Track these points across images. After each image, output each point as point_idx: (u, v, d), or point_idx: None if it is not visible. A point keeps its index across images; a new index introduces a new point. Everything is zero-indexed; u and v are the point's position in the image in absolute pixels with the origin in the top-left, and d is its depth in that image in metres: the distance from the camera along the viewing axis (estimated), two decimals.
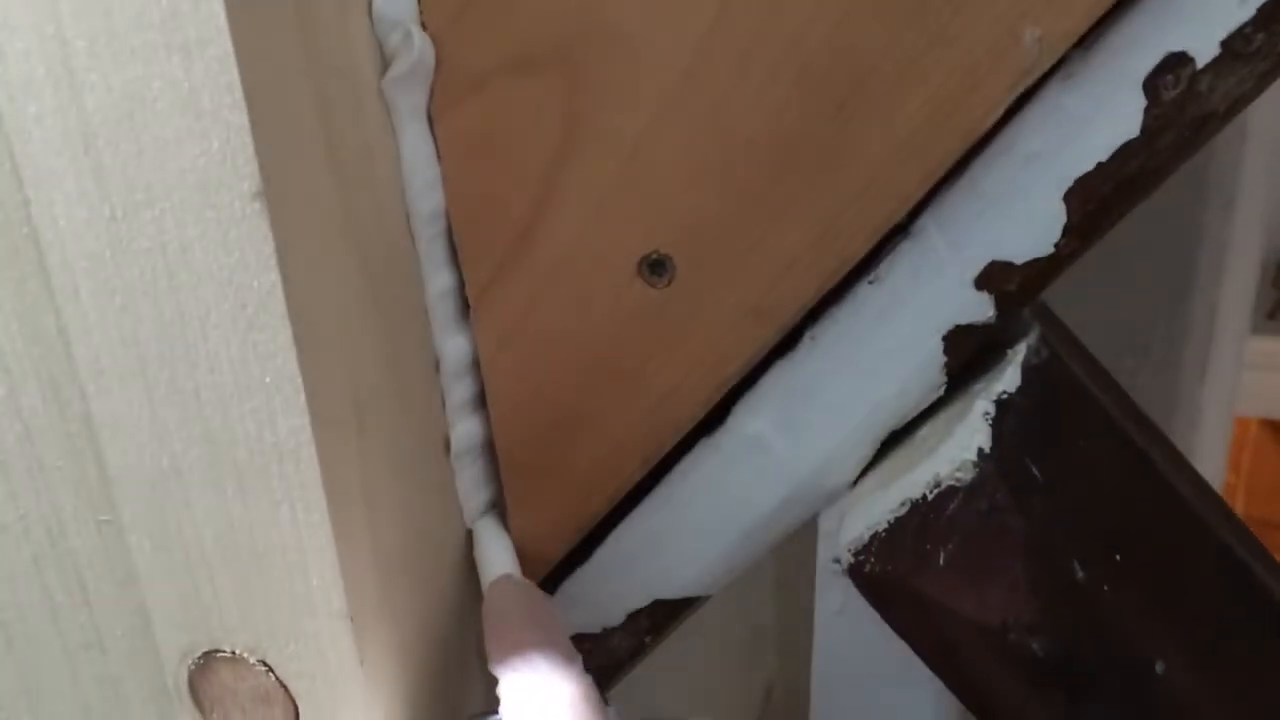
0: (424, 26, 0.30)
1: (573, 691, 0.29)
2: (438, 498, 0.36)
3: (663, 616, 0.38)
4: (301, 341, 0.28)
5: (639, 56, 0.30)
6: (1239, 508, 2.59)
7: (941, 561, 0.31)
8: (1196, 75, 0.27)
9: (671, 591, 0.37)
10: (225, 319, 0.28)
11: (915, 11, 0.28)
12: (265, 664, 0.32)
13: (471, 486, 0.37)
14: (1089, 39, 0.28)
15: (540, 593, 0.34)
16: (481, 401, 0.36)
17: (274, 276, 0.27)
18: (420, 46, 0.30)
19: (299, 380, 0.28)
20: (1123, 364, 0.93)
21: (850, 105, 0.29)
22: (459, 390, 0.35)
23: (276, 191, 0.27)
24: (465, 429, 0.36)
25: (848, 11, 0.29)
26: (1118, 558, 0.30)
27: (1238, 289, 1.06)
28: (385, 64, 0.31)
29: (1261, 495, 2.58)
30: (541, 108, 0.31)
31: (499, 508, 0.37)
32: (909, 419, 0.33)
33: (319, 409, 0.29)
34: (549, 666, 0.29)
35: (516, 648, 0.30)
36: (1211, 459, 1.11)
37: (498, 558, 0.35)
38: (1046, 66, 0.28)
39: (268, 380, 0.28)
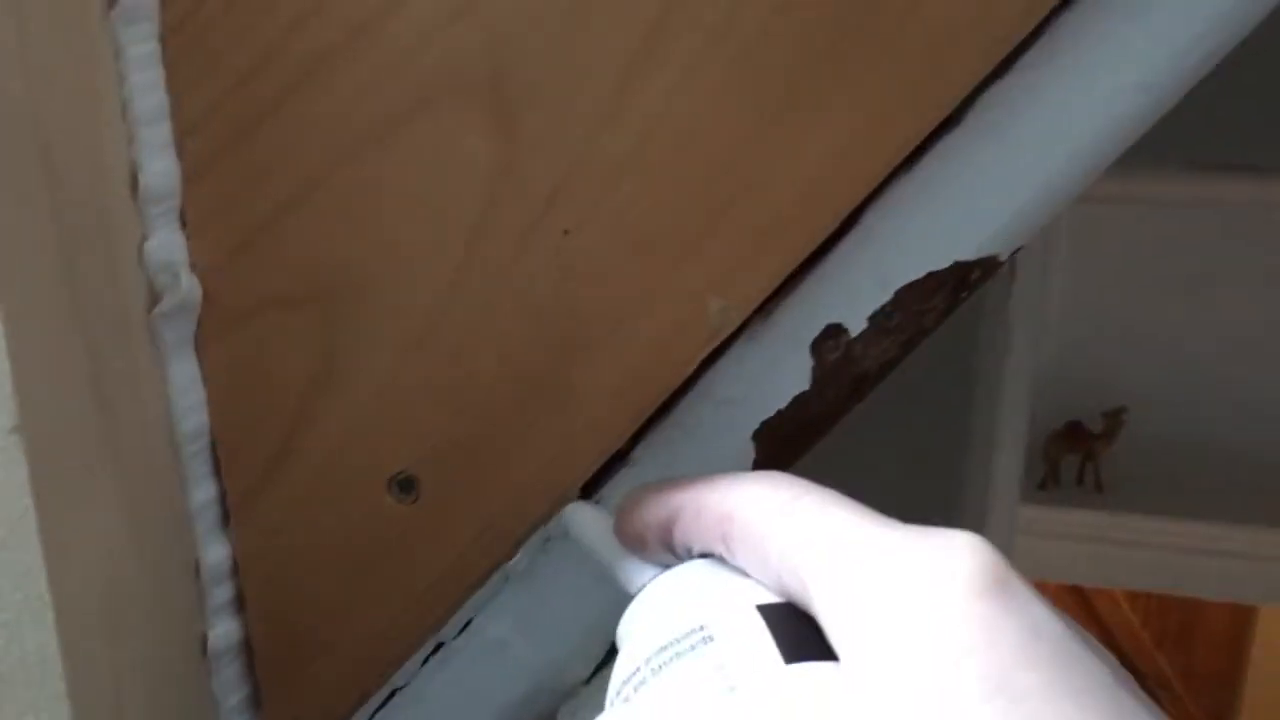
0: (193, 267, 0.34)
1: None
2: (193, 695, 0.37)
3: None
4: (53, 562, 0.30)
5: (388, 300, 0.34)
6: None
7: None
8: (851, 342, 0.32)
9: None
10: None
11: (622, 275, 0.33)
12: None
13: (228, 685, 0.38)
14: (768, 306, 0.33)
15: None
16: (240, 603, 0.38)
17: (27, 502, 0.29)
18: (187, 285, 0.33)
19: (48, 598, 0.30)
20: None
21: (571, 351, 0.33)
22: (218, 593, 0.37)
23: (33, 425, 0.29)
24: (223, 630, 0.38)
25: (571, 269, 0.33)
26: None
27: (1009, 460, 1.15)
28: (154, 300, 0.34)
29: None
30: (301, 341, 0.34)
31: (256, 707, 0.39)
32: None
33: (68, 624, 0.30)
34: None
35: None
36: None
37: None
38: (731, 329, 0.33)
39: (19, 597, 0.30)
